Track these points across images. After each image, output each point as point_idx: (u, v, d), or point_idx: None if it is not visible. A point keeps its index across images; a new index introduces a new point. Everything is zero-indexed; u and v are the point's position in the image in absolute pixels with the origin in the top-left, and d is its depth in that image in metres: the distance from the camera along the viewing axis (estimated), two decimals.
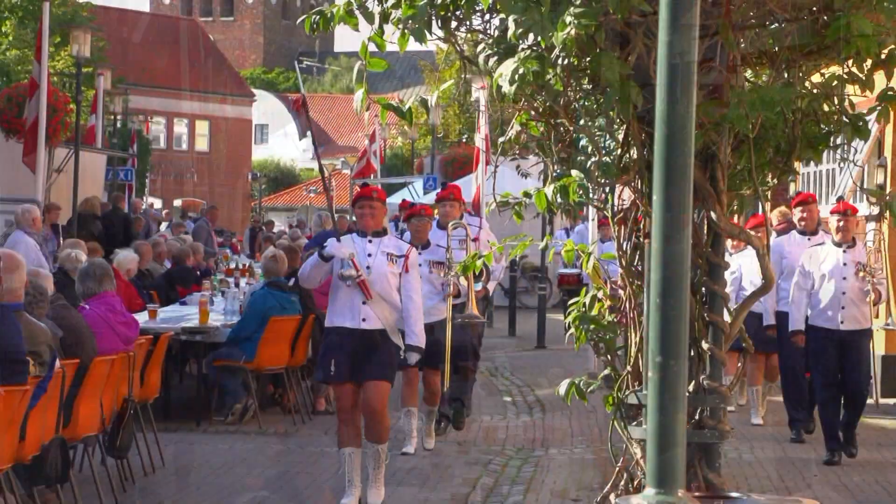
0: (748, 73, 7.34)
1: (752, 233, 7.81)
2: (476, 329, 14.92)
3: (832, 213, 14.37)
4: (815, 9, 7.00)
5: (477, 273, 13.16)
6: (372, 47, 7.20)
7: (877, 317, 15.28)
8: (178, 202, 70.79)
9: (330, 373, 11.19)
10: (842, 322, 13.61)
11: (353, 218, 14.04)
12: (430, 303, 13.60)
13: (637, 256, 7.27)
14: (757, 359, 16.01)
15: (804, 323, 13.83)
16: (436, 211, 14.81)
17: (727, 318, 7.25)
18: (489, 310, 25.08)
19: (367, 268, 11.18)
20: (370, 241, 11.35)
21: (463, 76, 8.43)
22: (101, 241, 21.66)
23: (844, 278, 13.61)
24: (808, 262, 13.82)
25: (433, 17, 7.05)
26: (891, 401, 16.88)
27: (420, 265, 13.06)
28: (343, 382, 11.18)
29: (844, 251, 13.74)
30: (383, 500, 11.28)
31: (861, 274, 13.61)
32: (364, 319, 11.16)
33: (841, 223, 13.92)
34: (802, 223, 14.91)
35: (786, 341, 14.27)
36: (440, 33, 7.24)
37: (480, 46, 7.19)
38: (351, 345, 11.13)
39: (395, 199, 28.22)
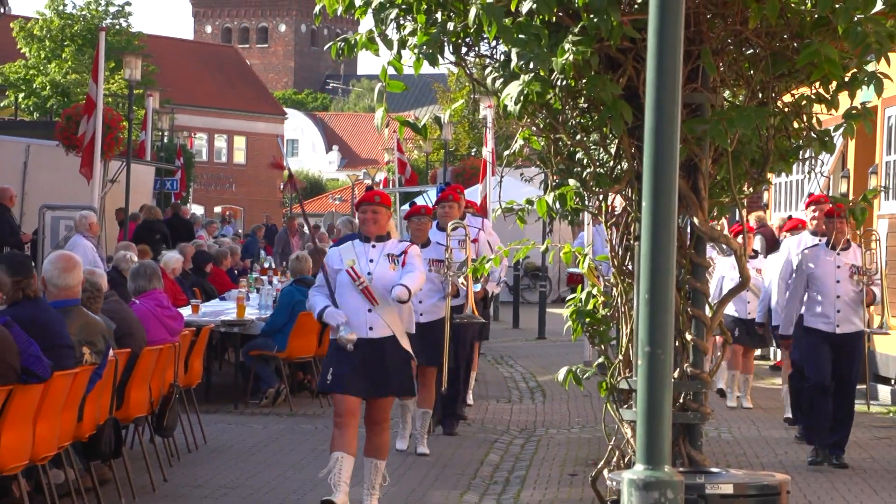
0: (727, 94, 7.32)
1: (730, 236, 7.79)
2: (470, 330, 13.61)
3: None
4: (786, 37, 6.99)
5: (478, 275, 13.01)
6: (391, 71, 7.19)
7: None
8: (217, 209, 70.83)
9: (327, 381, 9.71)
10: (837, 325, 12.21)
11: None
12: (430, 301, 12.57)
13: (628, 257, 7.26)
14: (738, 350, 15.63)
15: (792, 328, 12.46)
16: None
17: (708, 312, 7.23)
18: (495, 304, 25.01)
19: (369, 274, 9.68)
20: (373, 247, 9.83)
21: (472, 96, 8.43)
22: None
23: (838, 281, 12.25)
24: (803, 265, 12.39)
25: (445, 44, 7.05)
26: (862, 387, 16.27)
27: None
28: (343, 393, 9.63)
29: (838, 254, 12.28)
30: None
31: (856, 277, 12.28)
32: (371, 328, 9.65)
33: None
34: (814, 223, 13.38)
35: (796, 342, 12.70)
36: (451, 58, 7.24)
37: (488, 70, 7.18)
38: (358, 355, 9.59)
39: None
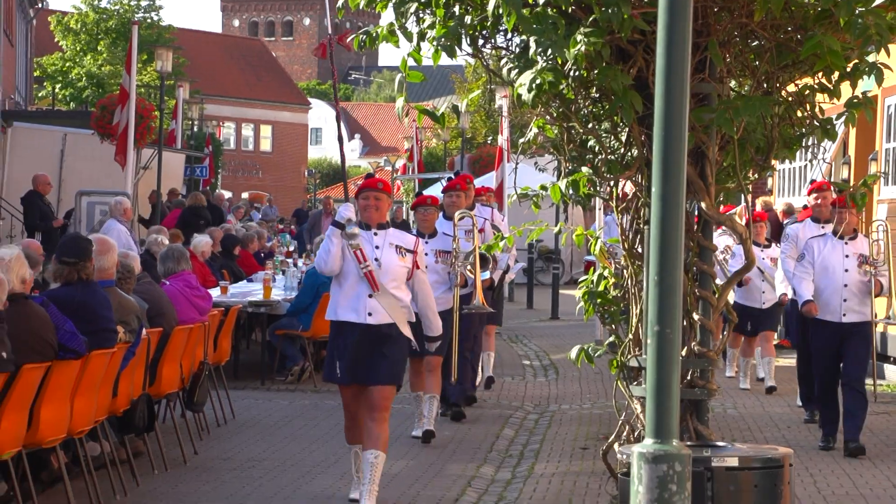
0: (733, 84, 7.30)
1: (736, 220, 7.76)
2: (475, 320, 13.03)
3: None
4: (790, 29, 6.96)
5: (490, 253, 12.79)
6: (411, 62, 7.18)
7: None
8: (245, 195, 70.91)
9: (335, 374, 9.22)
10: (844, 315, 11.64)
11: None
12: (437, 293, 11.67)
13: (638, 240, 7.24)
14: (751, 341, 15.31)
15: (811, 294, 11.73)
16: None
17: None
18: (510, 287, 24.97)
19: (376, 260, 9.11)
20: (375, 234, 9.25)
21: (488, 86, 8.42)
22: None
23: (846, 270, 11.68)
24: (809, 252, 11.84)
25: (463, 36, 7.04)
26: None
27: (426, 254, 11.62)
28: (348, 385, 9.22)
29: (846, 243, 11.76)
30: None
31: (864, 267, 11.69)
32: (370, 314, 9.09)
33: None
34: (817, 210, 12.97)
35: (804, 327, 12.29)
36: (468, 50, 7.23)
37: (503, 61, 7.17)
38: (357, 343, 9.10)
39: (431, 192, 28.16)
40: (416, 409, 12.32)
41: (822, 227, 12.44)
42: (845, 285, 11.66)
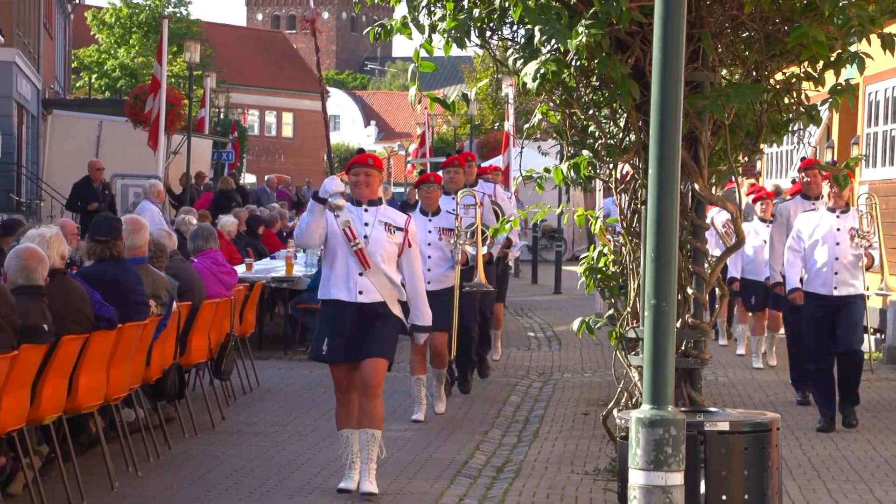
0: (724, 72, 7.28)
1: (727, 200, 7.75)
2: (478, 296, 12.27)
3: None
4: (778, 21, 6.93)
5: (497, 235, 12.62)
6: (423, 53, 7.16)
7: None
8: (267, 177, 70.98)
9: (322, 352, 8.47)
10: (835, 288, 10.91)
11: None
12: (440, 270, 11.28)
13: (636, 220, 7.23)
14: (760, 316, 14.47)
15: (799, 282, 11.15)
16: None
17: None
18: (515, 263, 24.95)
19: (365, 237, 8.37)
20: (366, 211, 8.49)
21: (495, 76, 8.41)
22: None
23: (838, 244, 10.92)
24: (802, 227, 11.15)
25: (471, 29, 7.02)
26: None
27: (430, 232, 11.25)
28: (339, 364, 8.48)
29: (837, 216, 11.00)
30: (378, 492, 8.50)
31: (855, 240, 10.93)
32: (361, 292, 8.37)
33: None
34: (807, 186, 12.26)
35: (790, 304, 11.58)
36: (477, 41, 7.21)
37: (509, 51, 7.15)
38: (348, 321, 8.39)
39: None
40: (418, 393, 11.26)
41: (814, 204, 11.78)
42: (836, 258, 10.95)
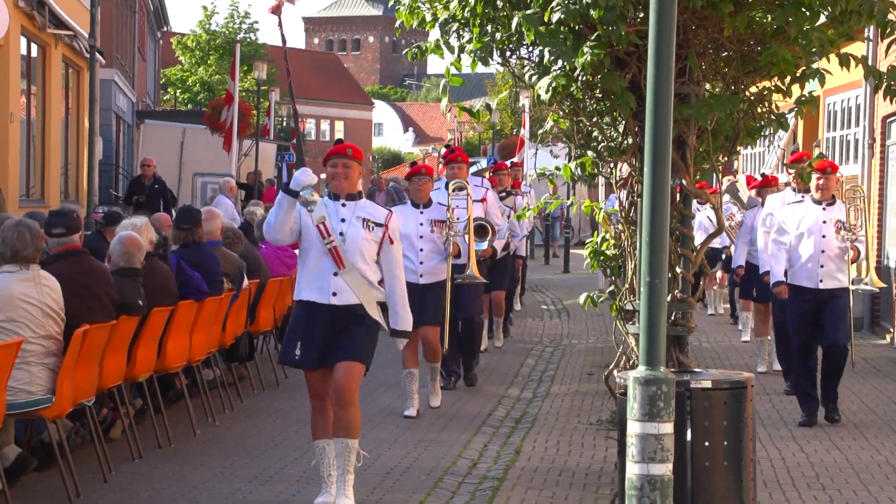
0: (707, 86, 7.23)
1: (709, 193, 7.70)
2: (481, 288, 10.70)
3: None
4: (752, 42, 6.88)
5: (518, 221, 12.39)
6: (453, 70, 7.14)
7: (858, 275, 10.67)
8: (322, 176, 71.05)
9: (294, 356, 6.73)
10: (821, 281, 9.36)
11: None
12: (432, 263, 9.60)
13: (633, 210, 7.19)
14: (763, 311, 11.89)
15: (784, 275, 9.54)
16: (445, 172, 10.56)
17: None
18: (530, 246, 24.93)
19: (341, 234, 6.67)
20: (343, 206, 6.79)
21: (514, 89, 8.36)
22: None
23: (823, 236, 9.38)
24: (787, 219, 9.58)
25: (494, 49, 6.99)
26: None
27: (422, 224, 9.61)
28: (313, 370, 6.75)
29: (824, 209, 9.46)
30: None
31: (841, 232, 9.40)
32: (335, 294, 6.65)
33: (821, 181, 9.53)
34: (795, 182, 10.76)
35: (781, 301, 9.86)
36: (499, 60, 7.17)
37: (526, 68, 7.11)
38: (320, 324, 6.68)
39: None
40: (409, 388, 9.59)
41: (802, 198, 9.83)
42: (822, 251, 9.39)
